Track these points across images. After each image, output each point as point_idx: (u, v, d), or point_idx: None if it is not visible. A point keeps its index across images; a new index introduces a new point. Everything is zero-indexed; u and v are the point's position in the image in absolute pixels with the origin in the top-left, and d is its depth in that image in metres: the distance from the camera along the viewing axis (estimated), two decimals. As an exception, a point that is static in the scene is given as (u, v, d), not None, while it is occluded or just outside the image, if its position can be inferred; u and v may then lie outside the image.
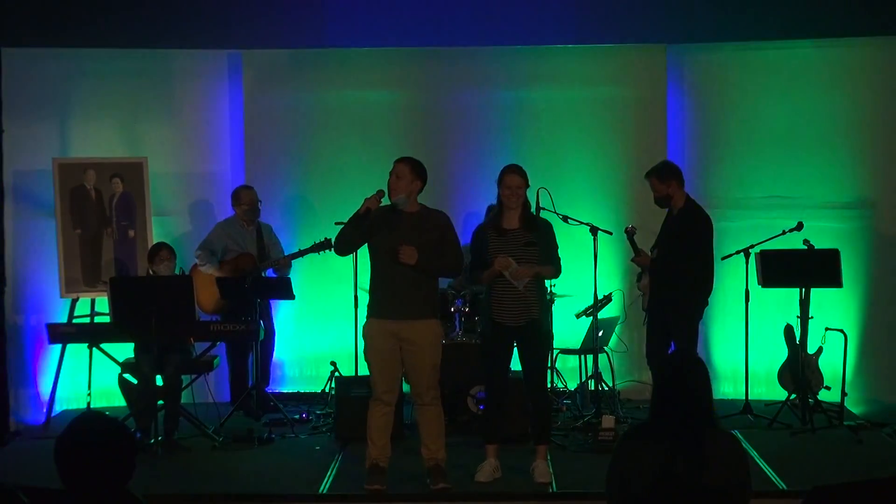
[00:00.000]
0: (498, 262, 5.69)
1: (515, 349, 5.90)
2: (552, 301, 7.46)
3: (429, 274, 5.64)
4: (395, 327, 5.55)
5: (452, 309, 7.40)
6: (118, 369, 6.94)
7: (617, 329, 7.85)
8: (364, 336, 5.68)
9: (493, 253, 5.75)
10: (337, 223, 7.45)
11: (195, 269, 7.61)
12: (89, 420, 3.00)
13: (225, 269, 7.57)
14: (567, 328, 7.85)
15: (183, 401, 6.88)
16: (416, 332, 5.57)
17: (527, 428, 6.23)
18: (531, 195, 6.80)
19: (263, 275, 7.69)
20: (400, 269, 5.52)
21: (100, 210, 7.82)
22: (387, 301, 5.57)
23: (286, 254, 7.79)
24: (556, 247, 5.88)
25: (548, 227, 5.92)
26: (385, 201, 5.64)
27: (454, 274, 5.88)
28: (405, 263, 5.48)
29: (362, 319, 5.86)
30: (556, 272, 5.92)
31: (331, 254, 7.67)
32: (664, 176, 6.65)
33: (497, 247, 5.76)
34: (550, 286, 7.48)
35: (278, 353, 8.06)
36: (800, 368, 7.22)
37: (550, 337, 6.02)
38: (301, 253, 7.63)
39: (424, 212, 5.69)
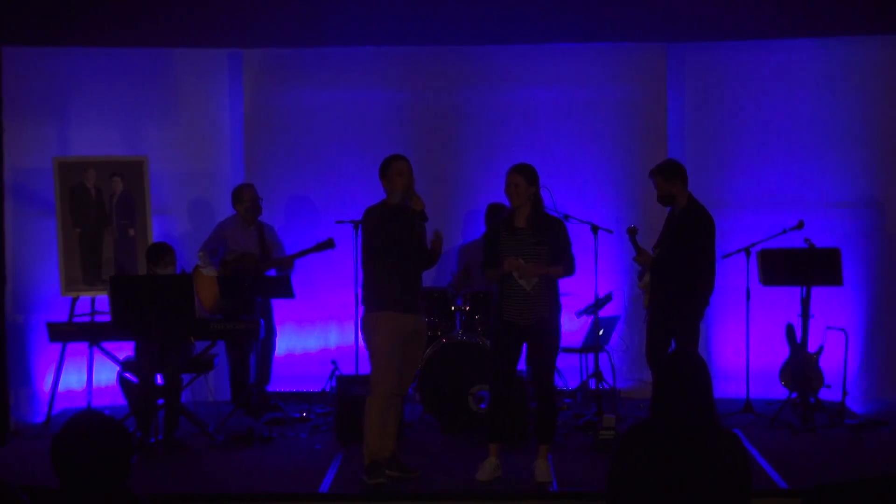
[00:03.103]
0: (507, 262, 5.71)
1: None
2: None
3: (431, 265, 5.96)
4: (411, 320, 5.74)
5: (453, 308, 7.40)
6: (118, 368, 6.95)
7: (617, 328, 7.85)
8: (379, 328, 5.69)
9: (504, 251, 5.76)
10: (337, 222, 7.53)
11: (197, 270, 7.60)
12: (85, 419, 3.00)
13: (227, 270, 7.56)
14: (568, 327, 7.86)
15: (183, 400, 6.88)
16: (422, 325, 5.89)
17: (528, 427, 6.22)
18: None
19: (265, 274, 7.68)
20: (412, 265, 5.77)
21: (100, 209, 7.82)
22: (406, 295, 5.72)
23: (288, 254, 7.79)
24: (568, 245, 5.87)
25: (559, 226, 5.90)
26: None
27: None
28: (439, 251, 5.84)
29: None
30: (566, 271, 5.87)
31: (332, 253, 7.72)
32: (669, 175, 6.65)
33: (508, 245, 5.77)
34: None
35: (279, 352, 8.05)
36: (801, 367, 7.22)
37: (560, 335, 5.99)
38: (304, 252, 7.64)
39: (405, 206, 5.86)
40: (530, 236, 5.77)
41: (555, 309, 5.85)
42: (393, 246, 5.70)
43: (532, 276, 5.70)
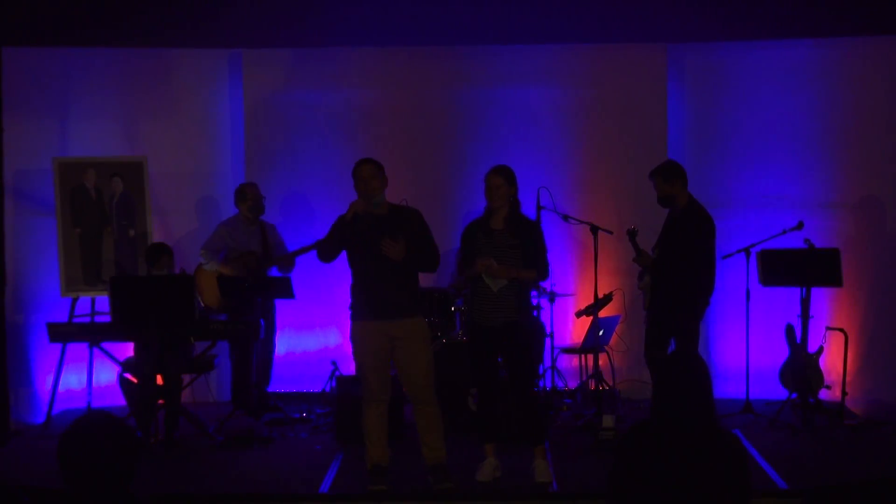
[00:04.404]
0: (479, 262, 5.70)
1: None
2: (553, 299, 7.47)
3: (412, 269, 5.66)
4: (388, 327, 5.56)
5: (452, 308, 7.40)
6: (118, 369, 6.95)
7: (617, 328, 7.85)
8: (354, 339, 5.66)
9: (478, 252, 5.75)
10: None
11: (199, 268, 7.61)
12: (94, 419, 2.99)
13: (230, 267, 7.56)
14: (567, 327, 7.86)
15: (183, 400, 6.88)
16: (408, 330, 5.60)
17: (518, 426, 6.22)
18: (531, 195, 6.81)
19: (267, 273, 7.69)
20: (386, 270, 5.54)
21: (100, 209, 7.83)
22: (377, 302, 5.57)
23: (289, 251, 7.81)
24: (542, 249, 5.82)
25: (535, 229, 5.89)
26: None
27: (433, 268, 5.87)
28: (392, 259, 5.48)
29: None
30: (539, 276, 5.84)
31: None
32: (669, 176, 6.65)
33: (482, 247, 5.76)
34: (551, 285, 7.49)
35: (279, 353, 8.05)
36: (800, 368, 7.22)
37: (533, 338, 5.95)
38: (306, 249, 7.64)
39: (396, 210, 5.72)
40: (506, 238, 5.75)
41: (525, 312, 5.81)
42: (329, 252, 5.63)
43: (501, 277, 5.70)
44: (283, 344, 8.12)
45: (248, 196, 7.71)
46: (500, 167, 5.84)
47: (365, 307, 5.61)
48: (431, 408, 5.66)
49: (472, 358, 5.90)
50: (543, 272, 5.84)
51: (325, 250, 5.68)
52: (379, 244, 5.50)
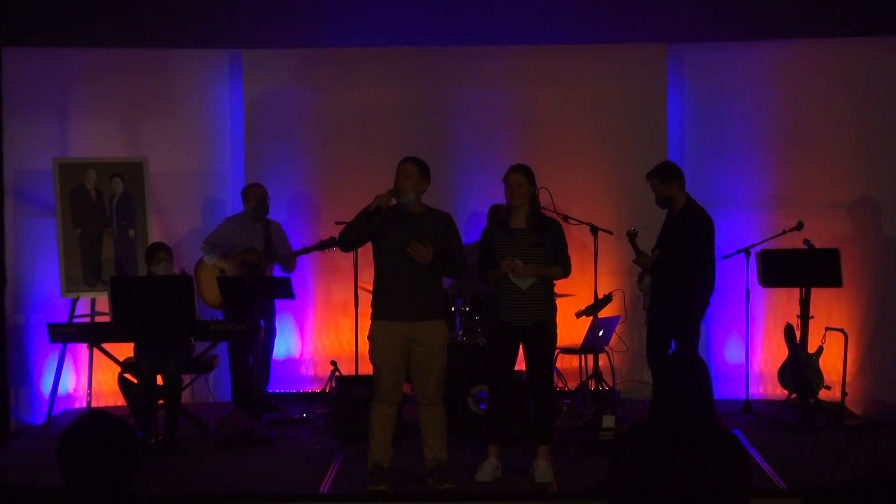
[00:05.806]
0: (504, 263, 5.70)
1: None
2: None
3: (438, 274, 5.66)
4: (406, 328, 5.54)
5: (452, 309, 7.40)
6: (118, 369, 6.95)
7: (617, 329, 7.85)
8: (371, 338, 5.64)
9: (502, 252, 5.75)
10: (337, 223, 7.50)
11: (201, 263, 7.62)
12: (94, 419, 2.99)
13: (230, 264, 7.57)
14: (567, 328, 7.85)
15: (183, 400, 6.87)
16: (427, 332, 5.57)
17: (528, 428, 6.22)
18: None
19: (268, 271, 7.70)
20: (410, 270, 5.52)
21: (100, 210, 7.83)
22: (397, 302, 5.55)
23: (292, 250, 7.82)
24: (564, 247, 5.87)
25: (556, 227, 5.90)
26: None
27: (458, 275, 5.88)
28: (419, 262, 5.47)
29: (363, 319, 5.85)
30: (563, 273, 5.89)
31: (331, 253, 7.72)
32: (666, 177, 6.66)
33: (505, 246, 5.76)
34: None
35: (278, 353, 8.05)
36: (800, 368, 7.22)
37: (555, 337, 5.99)
38: (306, 250, 7.66)
39: (430, 212, 5.69)
40: (529, 237, 5.76)
41: (551, 310, 5.85)
42: (350, 240, 5.63)
43: (529, 276, 5.70)
44: (283, 344, 8.11)
45: (250, 197, 7.75)
46: (520, 165, 5.85)
47: (386, 306, 5.59)
48: (437, 408, 5.67)
49: (493, 358, 5.88)
50: (566, 269, 5.88)
51: (346, 238, 5.66)
52: (407, 244, 5.48)
